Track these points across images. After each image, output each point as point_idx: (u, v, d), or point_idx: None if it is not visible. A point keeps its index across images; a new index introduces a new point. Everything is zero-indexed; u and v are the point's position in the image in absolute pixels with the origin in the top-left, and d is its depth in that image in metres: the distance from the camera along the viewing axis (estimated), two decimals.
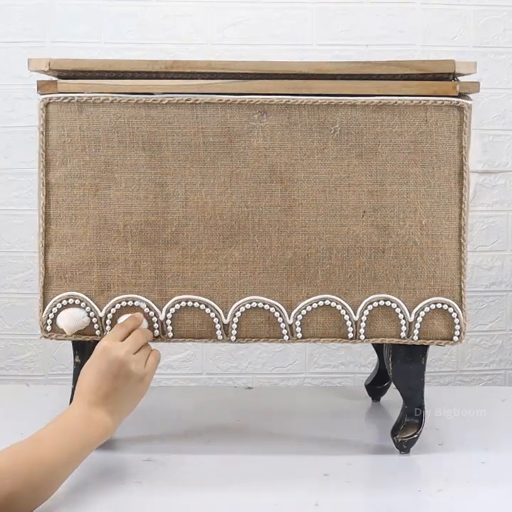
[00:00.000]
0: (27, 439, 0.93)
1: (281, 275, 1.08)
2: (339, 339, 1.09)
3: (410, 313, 1.08)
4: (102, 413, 0.99)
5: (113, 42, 1.63)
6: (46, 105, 1.06)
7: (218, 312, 1.08)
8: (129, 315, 1.08)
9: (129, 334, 1.05)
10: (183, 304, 1.08)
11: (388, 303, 1.08)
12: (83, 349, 1.10)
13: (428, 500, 0.98)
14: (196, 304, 1.08)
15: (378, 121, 1.06)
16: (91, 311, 1.08)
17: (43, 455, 0.90)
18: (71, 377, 1.11)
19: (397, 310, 1.08)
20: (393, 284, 1.08)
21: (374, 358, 1.46)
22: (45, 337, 1.09)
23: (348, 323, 1.08)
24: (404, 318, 1.08)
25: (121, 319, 1.08)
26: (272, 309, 1.08)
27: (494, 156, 1.67)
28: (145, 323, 1.08)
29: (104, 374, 1.01)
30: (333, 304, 1.08)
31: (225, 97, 1.05)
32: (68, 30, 1.62)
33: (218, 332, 1.09)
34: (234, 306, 1.08)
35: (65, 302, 1.08)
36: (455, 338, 1.09)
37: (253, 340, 1.09)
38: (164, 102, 1.06)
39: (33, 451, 0.91)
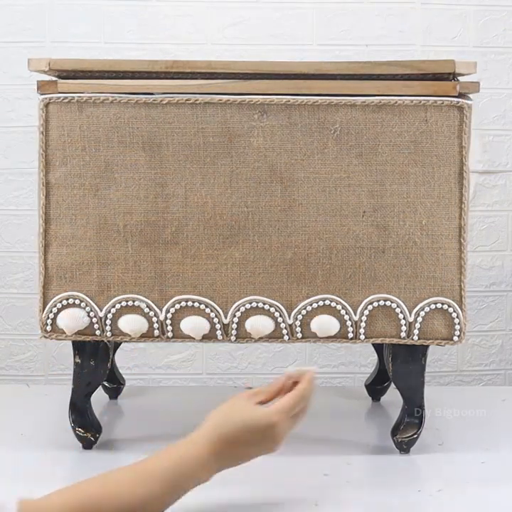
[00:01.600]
0: (143, 469, 0.87)
1: (281, 275, 1.08)
2: (339, 339, 1.09)
3: (410, 313, 1.08)
4: (214, 469, 0.90)
5: (113, 42, 1.63)
6: (46, 105, 1.06)
7: (218, 312, 1.08)
8: (306, 373, 0.96)
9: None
10: (183, 303, 1.08)
11: (388, 303, 1.08)
12: (83, 349, 1.10)
13: (428, 500, 0.98)
14: (196, 304, 1.08)
15: (378, 121, 1.06)
16: (91, 311, 1.08)
17: (155, 496, 0.85)
18: (71, 377, 1.11)
19: (397, 310, 1.08)
20: (393, 284, 1.08)
21: (374, 358, 1.46)
22: (45, 337, 1.09)
23: (348, 323, 1.08)
24: (404, 318, 1.08)
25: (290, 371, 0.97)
26: (272, 309, 1.08)
27: (494, 156, 1.67)
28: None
29: (253, 443, 0.91)
30: (333, 304, 1.08)
31: (225, 97, 1.05)
32: (68, 30, 1.62)
33: (218, 332, 1.08)
34: (234, 306, 1.08)
35: (65, 302, 1.08)
36: (455, 338, 1.09)
37: (253, 340, 1.09)
38: (164, 102, 1.06)
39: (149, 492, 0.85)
